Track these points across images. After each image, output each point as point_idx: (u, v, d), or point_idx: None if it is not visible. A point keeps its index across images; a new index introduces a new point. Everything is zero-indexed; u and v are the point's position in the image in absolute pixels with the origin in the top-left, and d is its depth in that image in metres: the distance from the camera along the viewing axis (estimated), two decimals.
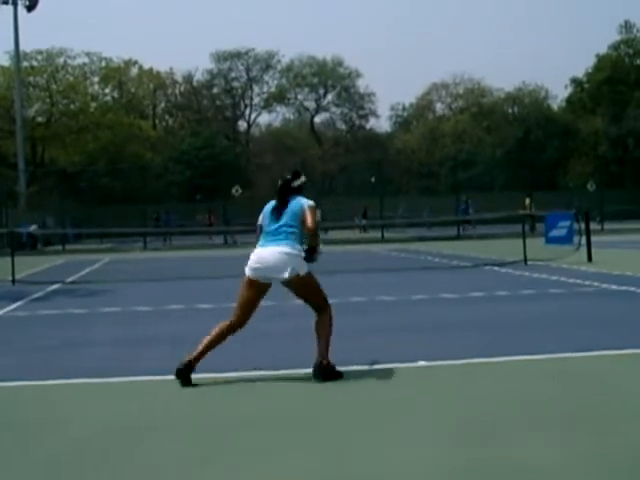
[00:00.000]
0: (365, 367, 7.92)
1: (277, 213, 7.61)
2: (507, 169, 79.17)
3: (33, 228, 40.72)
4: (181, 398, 6.97)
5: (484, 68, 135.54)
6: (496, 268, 20.78)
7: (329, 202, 66.54)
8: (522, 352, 8.46)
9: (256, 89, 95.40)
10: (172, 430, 5.88)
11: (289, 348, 9.35)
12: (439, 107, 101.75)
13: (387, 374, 7.60)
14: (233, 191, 51.08)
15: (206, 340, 7.46)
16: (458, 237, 43.44)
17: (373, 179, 59.94)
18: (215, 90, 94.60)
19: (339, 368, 7.48)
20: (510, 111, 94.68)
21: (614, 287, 14.95)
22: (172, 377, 7.40)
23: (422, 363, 8.06)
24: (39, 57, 71.86)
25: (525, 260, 21.12)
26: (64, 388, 7.61)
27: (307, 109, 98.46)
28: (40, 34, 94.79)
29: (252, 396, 6.92)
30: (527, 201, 43.98)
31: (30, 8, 53.40)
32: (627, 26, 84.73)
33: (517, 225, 37.73)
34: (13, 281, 20.16)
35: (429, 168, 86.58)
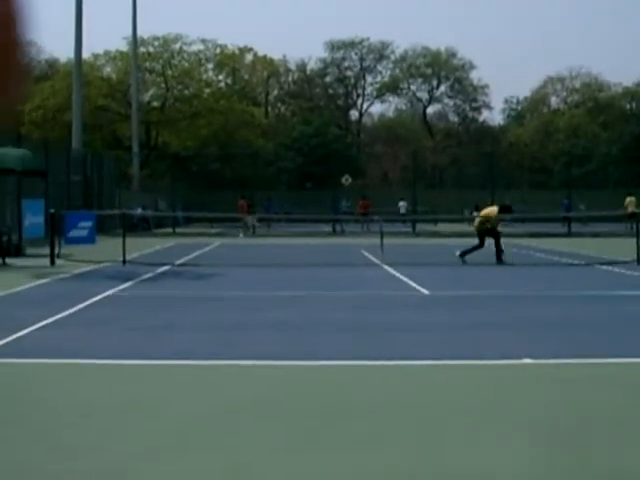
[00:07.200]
0: (469, 362, 7.81)
1: None
2: (623, 166, 77.23)
3: (139, 211, 41.65)
4: (283, 383, 6.97)
5: (602, 62, 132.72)
6: (605, 267, 20.26)
7: (439, 194, 66.02)
8: (623, 354, 8.23)
9: (369, 79, 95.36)
10: (269, 414, 5.87)
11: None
12: (554, 101, 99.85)
13: (490, 370, 7.47)
14: (343, 180, 51.05)
15: None
16: (569, 234, 42.59)
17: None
18: (328, 79, 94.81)
19: (443, 362, 7.36)
20: (628, 107, 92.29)
21: None
22: (276, 362, 7.39)
23: (527, 360, 7.89)
24: (156, 43, 73.04)
25: (638, 260, 20.52)
26: (167, 369, 7.70)
27: (420, 100, 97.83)
28: (157, 21, 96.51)
29: (354, 383, 6.87)
30: (627, 200, 43.93)
31: None
32: None
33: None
34: (124, 262, 20.56)
35: (542, 163, 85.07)
